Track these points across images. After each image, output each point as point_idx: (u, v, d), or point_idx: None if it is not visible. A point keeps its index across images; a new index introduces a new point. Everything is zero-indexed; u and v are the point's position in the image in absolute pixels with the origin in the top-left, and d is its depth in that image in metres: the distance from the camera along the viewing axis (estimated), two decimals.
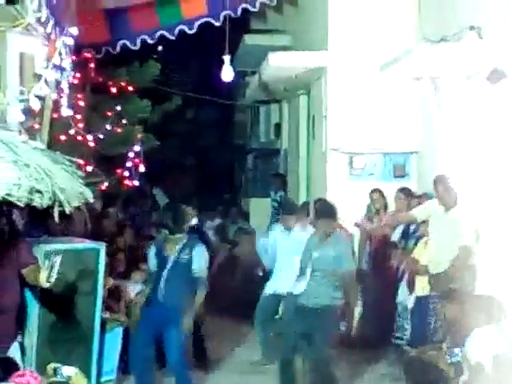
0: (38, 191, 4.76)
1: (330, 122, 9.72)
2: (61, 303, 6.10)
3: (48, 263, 5.07)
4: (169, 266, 6.54)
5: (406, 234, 8.04)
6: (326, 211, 6.70)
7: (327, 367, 6.41)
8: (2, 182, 4.63)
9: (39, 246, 5.86)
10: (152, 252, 6.76)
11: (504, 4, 6.53)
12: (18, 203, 4.66)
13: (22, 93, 6.48)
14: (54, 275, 5.03)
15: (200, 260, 6.57)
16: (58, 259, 5.05)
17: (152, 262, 6.74)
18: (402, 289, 7.62)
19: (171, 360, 6.52)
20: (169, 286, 6.52)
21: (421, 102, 9.18)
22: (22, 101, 6.36)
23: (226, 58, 7.63)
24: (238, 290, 10.19)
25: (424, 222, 7.47)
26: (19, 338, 5.65)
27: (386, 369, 7.57)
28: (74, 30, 6.34)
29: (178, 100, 13.49)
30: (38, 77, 6.21)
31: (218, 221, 12.74)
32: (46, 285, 5.10)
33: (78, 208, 5.27)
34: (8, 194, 4.63)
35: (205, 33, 9.05)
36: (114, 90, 11.06)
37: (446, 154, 8.21)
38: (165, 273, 6.54)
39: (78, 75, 8.98)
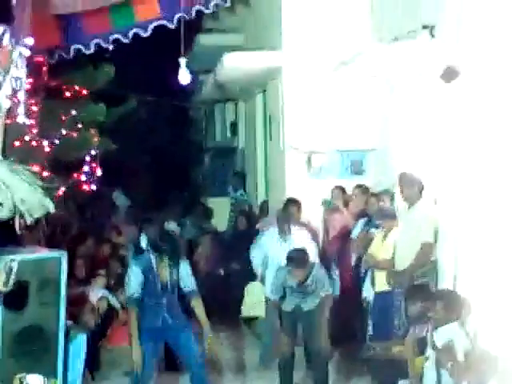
0: None
1: (287, 121, 9.78)
2: (23, 312, 6.04)
3: (5, 268, 5.07)
4: (169, 291, 6.38)
5: (367, 227, 8.11)
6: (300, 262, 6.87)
7: (326, 361, 6.81)
8: None
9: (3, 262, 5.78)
10: (138, 270, 6.36)
11: (457, 2, 6.63)
12: None
13: None
14: (12, 280, 5.08)
15: (189, 276, 6.49)
16: (15, 264, 5.08)
17: (136, 287, 6.34)
18: (366, 284, 7.72)
19: (195, 362, 6.38)
20: (170, 298, 6.39)
21: (377, 100, 9.29)
22: None
23: (182, 60, 7.60)
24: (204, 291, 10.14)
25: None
26: None
27: (353, 365, 7.64)
28: (30, 41, 6.26)
29: (133, 102, 13.40)
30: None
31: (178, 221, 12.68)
32: (3, 289, 5.16)
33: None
34: None
35: (159, 32, 9.00)
36: (68, 94, 10.94)
37: (403, 151, 8.33)
38: (165, 300, 6.38)
39: (30, 80, 8.85)
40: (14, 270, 5.00)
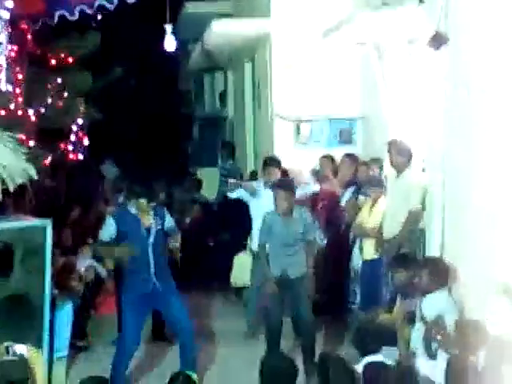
0: None
1: (275, 89, 9.71)
2: (8, 280, 6.01)
3: None
4: (152, 237, 6.22)
5: (356, 194, 8.09)
6: (285, 185, 6.76)
7: (313, 329, 6.76)
8: None
9: None
10: (111, 221, 6.25)
11: None
12: None
13: None
14: None
15: (170, 219, 6.43)
16: None
17: (110, 232, 6.22)
18: (354, 253, 7.71)
19: (184, 327, 6.27)
20: (157, 259, 6.23)
21: (365, 68, 9.22)
22: None
23: (168, 27, 7.55)
24: (193, 260, 10.12)
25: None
26: None
27: (341, 333, 7.65)
28: (10, 3, 6.14)
29: (119, 71, 13.27)
30: None
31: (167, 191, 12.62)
32: None
33: (22, 185, 5.18)
34: None
35: (145, 1, 8.87)
36: (53, 62, 10.82)
37: (391, 119, 8.28)
38: (150, 246, 6.21)
39: (15, 48, 8.75)
40: None
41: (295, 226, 6.67)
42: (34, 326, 6.23)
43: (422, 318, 5.76)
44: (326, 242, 8.20)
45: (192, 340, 6.34)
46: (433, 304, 5.71)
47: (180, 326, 6.33)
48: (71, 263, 8.04)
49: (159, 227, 6.30)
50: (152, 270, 6.23)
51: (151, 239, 6.24)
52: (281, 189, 6.68)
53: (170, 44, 7.53)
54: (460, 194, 6.37)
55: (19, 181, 4.95)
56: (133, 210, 6.28)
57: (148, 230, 6.26)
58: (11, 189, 4.86)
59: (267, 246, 6.78)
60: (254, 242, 7.84)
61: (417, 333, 5.82)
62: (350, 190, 8.23)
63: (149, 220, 6.26)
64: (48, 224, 6.31)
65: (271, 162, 8.06)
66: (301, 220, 6.70)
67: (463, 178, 6.33)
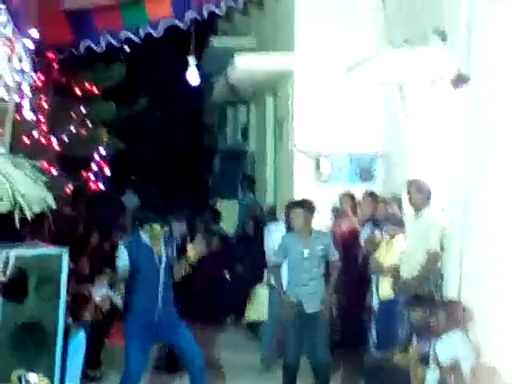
0: None
1: (297, 124, 9.73)
2: (22, 307, 6.02)
3: (2, 258, 5.10)
4: (163, 265, 6.21)
5: (373, 229, 8.02)
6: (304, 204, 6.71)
7: (329, 369, 6.67)
8: None
9: (1, 253, 5.76)
10: (122, 249, 6.28)
11: (468, 9, 6.56)
12: None
13: None
14: (9, 271, 5.17)
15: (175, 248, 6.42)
16: (12, 255, 5.17)
17: (125, 260, 6.24)
18: (371, 292, 7.64)
19: (197, 365, 6.24)
20: (166, 287, 6.24)
21: (387, 105, 9.22)
22: None
23: (191, 59, 7.61)
24: (209, 293, 10.07)
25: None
26: None
27: (356, 373, 7.53)
28: (35, 33, 6.24)
29: (143, 102, 13.40)
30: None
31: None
32: (1, 279, 5.26)
33: (42, 212, 5.22)
34: None
35: (173, 34, 8.99)
36: (78, 91, 10.95)
37: (412, 157, 8.25)
38: (161, 275, 6.21)
39: (41, 77, 8.87)
40: (12, 260, 5.01)
41: (314, 248, 6.54)
42: (47, 354, 6.25)
43: (437, 360, 5.67)
44: (345, 278, 8.16)
45: (201, 372, 6.29)
46: (448, 346, 5.64)
47: (189, 357, 6.29)
48: (87, 292, 8.03)
49: (170, 257, 6.31)
50: (160, 298, 6.21)
51: (162, 268, 6.24)
52: (299, 207, 6.62)
53: (193, 76, 7.60)
54: (479, 235, 6.30)
55: (37, 209, 4.98)
56: (145, 238, 6.29)
57: (159, 258, 6.27)
58: (29, 217, 4.88)
59: (283, 269, 6.67)
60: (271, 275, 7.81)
61: (432, 375, 5.73)
62: (368, 225, 8.18)
63: (160, 248, 6.27)
64: (64, 252, 6.34)
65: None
66: (320, 241, 6.58)
67: (483, 218, 6.26)
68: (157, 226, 6.22)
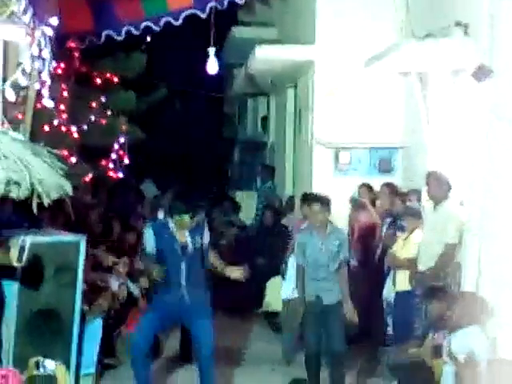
0: (16, 183, 4.75)
1: (316, 116, 9.69)
2: (39, 294, 6.05)
3: (17, 244, 5.20)
4: (187, 254, 6.20)
5: (392, 227, 7.99)
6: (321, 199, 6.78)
7: (345, 360, 6.72)
8: None
9: (18, 239, 5.79)
10: (150, 231, 6.28)
11: (490, 0, 6.49)
12: None
13: (4, 81, 6.36)
14: (24, 257, 5.28)
15: (208, 236, 6.40)
16: (27, 241, 5.26)
17: (151, 243, 6.25)
18: (388, 284, 7.61)
19: (203, 354, 6.23)
20: (190, 276, 6.21)
21: (407, 97, 9.16)
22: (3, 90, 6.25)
23: (211, 50, 7.58)
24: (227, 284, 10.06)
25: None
26: None
27: (374, 365, 7.52)
28: (54, 21, 6.23)
29: (163, 92, 13.40)
30: (20, 66, 6.11)
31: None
32: (17, 264, 5.39)
33: (62, 200, 5.23)
34: None
35: (193, 24, 8.97)
36: (98, 80, 10.97)
37: (432, 149, 8.19)
38: (183, 263, 6.20)
39: (62, 65, 8.89)
40: (27, 246, 5.08)
41: (330, 243, 6.69)
42: (63, 341, 6.29)
43: (451, 354, 5.63)
44: (362, 271, 8.14)
45: (207, 360, 6.27)
46: (464, 340, 5.59)
47: (198, 346, 6.31)
48: (104, 280, 8.06)
49: (198, 245, 6.30)
50: (183, 285, 6.21)
51: (186, 256, 6.24)
52: (317, 202, 6.68)
53: (212, 66, 7.56)
54: (499, 229, 6.23)
55: (55, 196, 4.98)
56: (171, 226, 6.29)
57: (183, 246, 6.26)
58: (46, 203, 4.89)
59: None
60: (288, 267, 7.79)
61: (449, 369, 5.69)
62: (387, 221, 8.13)
63: (184, 237, 6.27)
64: (82, 240, 6.37)
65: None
66: (335, 237, 6.72)
67: (503, 212, 6.20)
68: (186, 217, 6.23)
